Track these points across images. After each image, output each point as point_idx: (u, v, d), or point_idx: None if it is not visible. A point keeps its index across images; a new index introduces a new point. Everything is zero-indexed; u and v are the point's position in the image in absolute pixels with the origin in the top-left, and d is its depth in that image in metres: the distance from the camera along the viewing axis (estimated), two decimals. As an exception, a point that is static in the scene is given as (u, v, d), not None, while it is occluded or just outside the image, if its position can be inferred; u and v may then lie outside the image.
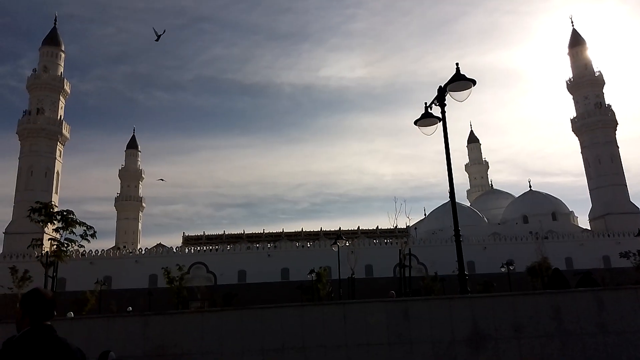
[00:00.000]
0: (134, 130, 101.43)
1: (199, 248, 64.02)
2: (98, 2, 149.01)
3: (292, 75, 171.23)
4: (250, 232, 69.76)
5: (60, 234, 21.93)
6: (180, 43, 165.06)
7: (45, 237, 53.25)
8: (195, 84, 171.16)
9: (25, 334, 2.78)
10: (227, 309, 10.43)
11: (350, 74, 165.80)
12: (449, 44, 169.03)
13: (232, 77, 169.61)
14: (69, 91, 71.16)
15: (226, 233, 69.26)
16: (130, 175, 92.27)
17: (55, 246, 22.26)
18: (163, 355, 9.68)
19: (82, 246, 26.13)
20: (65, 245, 22.22)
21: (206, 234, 69.01)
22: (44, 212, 22.26)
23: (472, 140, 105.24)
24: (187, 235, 68.49)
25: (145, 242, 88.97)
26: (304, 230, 69.71)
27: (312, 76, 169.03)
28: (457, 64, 10.47)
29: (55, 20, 72.70)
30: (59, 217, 22.06)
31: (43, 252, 26.69)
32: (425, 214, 79.55)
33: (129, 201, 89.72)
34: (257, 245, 63.07)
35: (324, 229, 68.73)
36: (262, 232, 69.54)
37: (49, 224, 22.16)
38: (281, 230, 69.52)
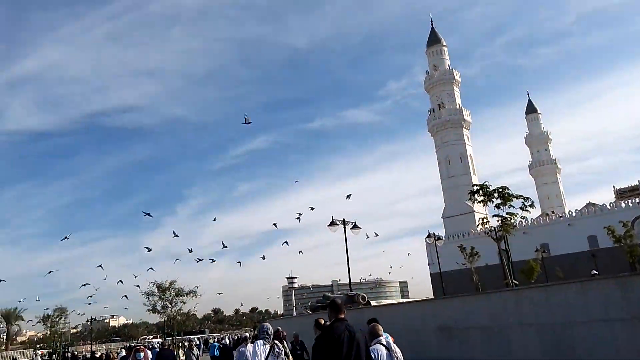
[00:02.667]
0: (528, 94, 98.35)
1: (637, 200, 56.10)
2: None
3: None
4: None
5: (501, 209, 23.56)
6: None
7: (476, 215, 57.83)
8: (579, 24, 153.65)
9: (333, 322, 5.25)
10: None
11: None
12: None
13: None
14: (459, 80, 76.19)
15: (667, 178, 58.17)
16: (536, 141, 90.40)
17: (500, 221, 24.05)
18: (652, 319, 8.74)
19: (524, 217, 27.30)
20: (509, 218, 23.69)
21: (642, 183, 59.88)
22: (482, 192, 24.42)
23: None
24: (618, 188, 61.31)
25: (572, 204, 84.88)
26: None
27: None
28: None
29: (431, 21, 79.71)
30: (496, 194, 23.78)
31: (482, 228, 29.10)
32: None
33: (542, 166, 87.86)
34: None
35: None
36: None
37: (488, 202, 24.19)
38: None
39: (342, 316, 5.29)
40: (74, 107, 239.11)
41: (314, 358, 5.29)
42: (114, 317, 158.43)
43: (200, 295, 36.85)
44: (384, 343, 6.52)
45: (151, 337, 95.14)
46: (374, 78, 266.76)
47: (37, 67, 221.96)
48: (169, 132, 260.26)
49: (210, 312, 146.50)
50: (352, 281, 22.87)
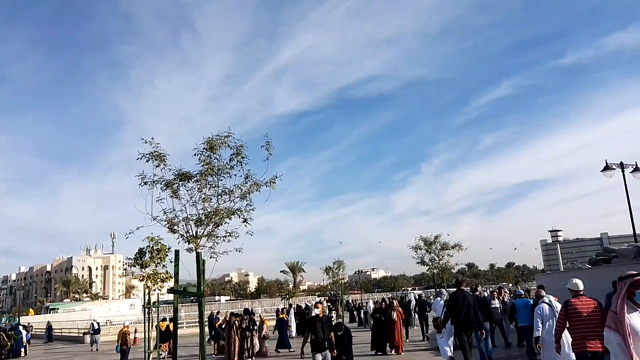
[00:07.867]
0: None
1: None
2: None
3: None
4: None
5: None
6: None
7: None
8: None
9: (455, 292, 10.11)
10: None
11: None
12: None
13: None
14: None
15: None
16: None
17: None
18: None
19: None
20: None
21: None
22: None
23: None
24: None
25: None
26: None
27: None
28: None
29: None
30: None
31: None
32: None
33: None
34: None
35: None
36: None
37: None
38: None
39: (462, 287, 10.11)
40: (325, 85, 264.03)
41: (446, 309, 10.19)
42: (374, 269, 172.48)
43: (466, 248, 37.22)
44: (547, 302, 8.96)
45: (410, 288, 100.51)
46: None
47: (292, 56, 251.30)
48: (410, 94, 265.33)
49: (464, 266, 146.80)
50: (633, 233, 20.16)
